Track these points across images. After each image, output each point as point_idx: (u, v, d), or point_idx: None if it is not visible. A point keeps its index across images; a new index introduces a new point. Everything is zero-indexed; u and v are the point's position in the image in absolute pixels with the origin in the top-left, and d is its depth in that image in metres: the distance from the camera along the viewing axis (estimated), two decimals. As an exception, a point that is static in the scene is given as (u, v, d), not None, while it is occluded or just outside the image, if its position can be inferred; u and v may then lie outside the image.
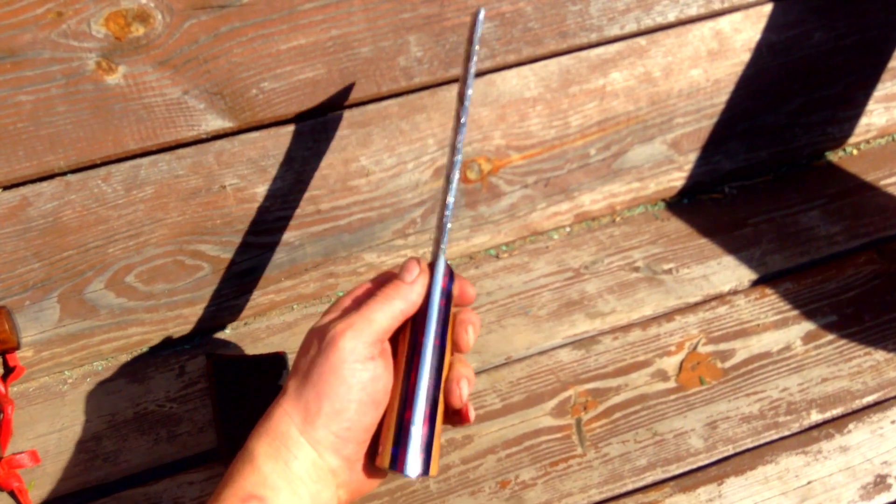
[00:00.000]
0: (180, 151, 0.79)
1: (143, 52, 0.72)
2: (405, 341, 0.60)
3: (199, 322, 0.89)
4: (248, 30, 0.74)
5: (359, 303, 0.59)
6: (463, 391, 0.59)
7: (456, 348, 0.61)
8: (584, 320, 0.88)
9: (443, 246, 0.62)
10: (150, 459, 0.78)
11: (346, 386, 0.55)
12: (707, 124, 0.97)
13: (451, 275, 0.62)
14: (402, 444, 0.56)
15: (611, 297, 0.90)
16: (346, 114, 0.83)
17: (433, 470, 0.57)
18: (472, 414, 0.61)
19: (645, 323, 0.87)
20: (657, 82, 0.92)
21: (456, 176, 0.62)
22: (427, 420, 0.57)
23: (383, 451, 0.57)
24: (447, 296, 0.61)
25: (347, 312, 0.58)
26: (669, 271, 0.92)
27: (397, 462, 0.56)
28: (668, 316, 0.87)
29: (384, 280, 0.62)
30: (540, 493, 0.73)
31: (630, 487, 0.73)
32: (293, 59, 0.76)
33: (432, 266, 0.61)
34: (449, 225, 0.62)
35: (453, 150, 0.62)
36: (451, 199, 0.62)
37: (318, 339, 0.57)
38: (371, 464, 0.59)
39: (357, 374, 0.55)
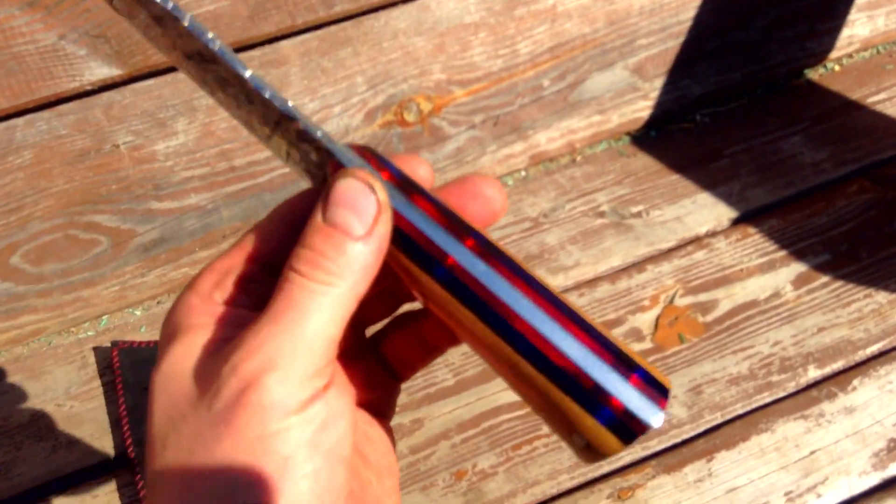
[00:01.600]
0: (61, 107, 0.71)
1: (-1, -10, 0.63)
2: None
3: (102, 305, 0.78)
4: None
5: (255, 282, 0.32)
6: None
7: (479, 220, 0.33)
8: (546, 276, 0.77)
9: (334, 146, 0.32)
10: (47, 471, 0.67)
11: (278, 459, 0.28)
12: (673, 45, 0.89)
13: (380, 159, 0.33)
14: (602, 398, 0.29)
15: (574, 247, 0.79)
16: (257, 52, 0.75)
17: (668, 384, 0.30)
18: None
19: (614, 275, 0.77)
20: (615, -2, 0.82)
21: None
22: (582, 333, 0.30)
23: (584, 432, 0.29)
24: (408, 189, 0.32)
25: (236, 320, 0.31)
26: (638, 214, 0.81)
27: (624, 423, 0.29)
28: (639, 266, 0.77)
29: (298, 212, 0.32)
30: (501, 484, 0.63)
31: (606, 470, 0.64)
32: (189, -10, 0.69)
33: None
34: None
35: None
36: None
37: (206, 388, 0.29)
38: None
39: (295, 434, 0.29)
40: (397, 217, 0.31)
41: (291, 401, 0.28)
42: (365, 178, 0.30)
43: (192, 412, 0.29)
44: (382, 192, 0.30)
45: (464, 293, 0.30)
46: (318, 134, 0.32)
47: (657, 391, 0.29)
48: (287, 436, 0.28)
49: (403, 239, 0.31)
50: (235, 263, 0.32)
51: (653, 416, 0.28)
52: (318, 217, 0.30)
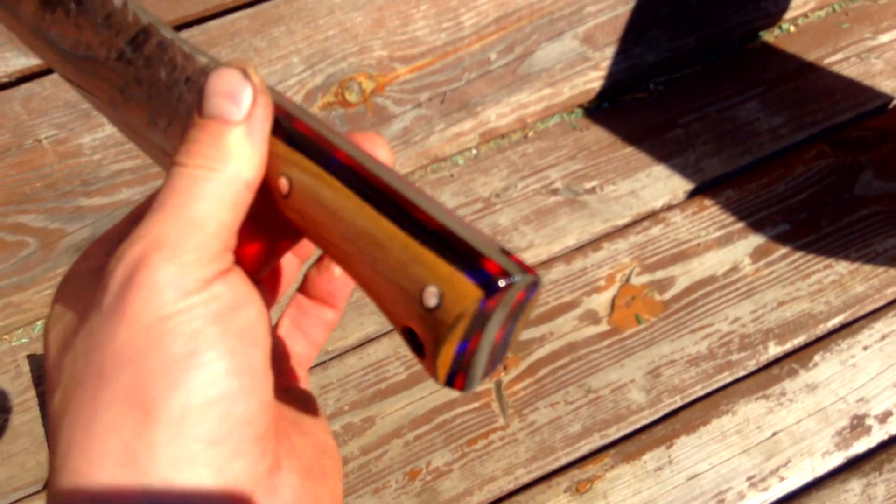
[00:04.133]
0: None
1: None
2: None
3: (35, 310, 0.74)
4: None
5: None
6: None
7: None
8: (498, 259, 0.74)
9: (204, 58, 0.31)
10: (-19, 489, 0.64)
11: (184, 338, 0.26)
12: (623, 11, 0.85)
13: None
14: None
15: (527, 227, 0.76)
16: (184, 34, 0.70)
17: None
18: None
19: (568, 255, 0.74)
20: (560, -35, 0.78)
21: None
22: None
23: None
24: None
25: (134, 219, 0.30)
26: (592, 190, 0.79)
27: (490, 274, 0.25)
28: (594, 244, 0.74)
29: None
30: (457, 482, 0.61)
31: (564, 461, 0.61)
32: (101, -28, 0.62)
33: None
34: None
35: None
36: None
37: (79, 288, 0.28)
38: None
39: (200, 311, 0.26)
40: (292, 119, 0.29)
41: (187, 280, 0.26)
42: (238, 65, 0.29)
43: (83, 324, 0.27)
44: (256, 76, 0.29)
45: (354, 180, 0.28)
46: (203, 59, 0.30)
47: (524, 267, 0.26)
48: (191, 314, 0.26)
49: (295, 135, 0.29)
50: (126, 231, 0.29)
51: (519, 273, 0.25)
52: (196, 115, 0.28)
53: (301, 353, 0.36)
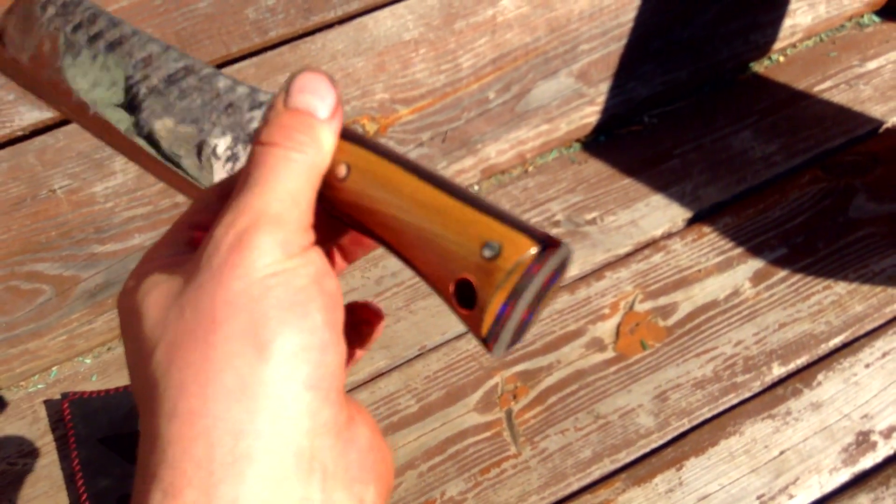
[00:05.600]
0: None
1: None
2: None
3: (50, 356, 0.76)
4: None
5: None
6: None
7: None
8: (503, 291, 0.76)
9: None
10: (2, 534, 0.65)
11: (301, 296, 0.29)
12: (616, 48, 0.88)
13: None
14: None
15: (530, 260, 0.78)
16: None
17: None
18: None
19: (572, 285, 0.75)
20: (554, 5, 0.82)
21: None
22: None
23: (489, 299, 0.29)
24: None
25: (221, 195, 0.33)
26: (593, 221, 0.80)
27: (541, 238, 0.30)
28: (597, 273, 0.76)
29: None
30: (471, 511, 0.62)
31: (575, 487, 0.62)
32: (114, 27, 0.64)
33: None
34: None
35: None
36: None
37: (193, 268, 0.30)
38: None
39: (304, 273, 0.30)
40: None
41: (291, 245, 0.30)
42: (324, 72, 0.33)
43: (189, 283, 0.30)
44: (337, 88, 0.33)
45: (409, 164, 0.32)
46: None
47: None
48: (295, 272, 0.29)
49: (346, 132, 0.33)
50: (180, 233, 0.33)
51: (563, 244, 0.29)
52: (280, 104, 0.32)
53: None
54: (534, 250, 0.29)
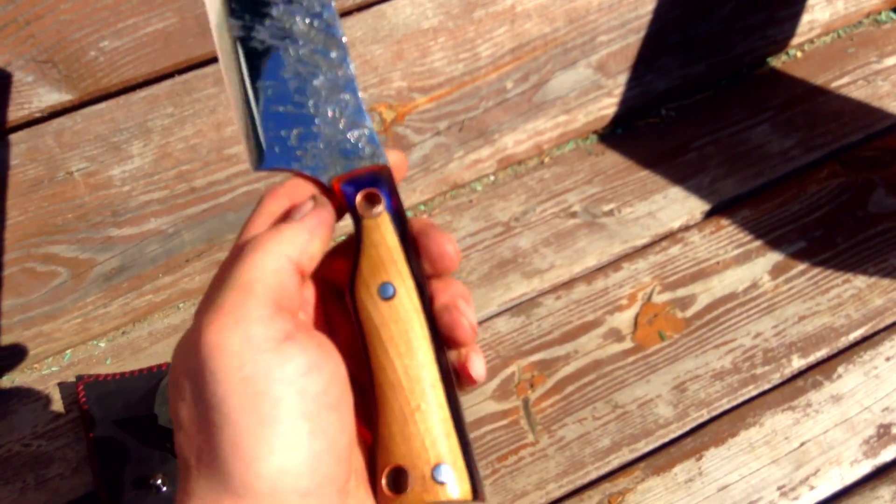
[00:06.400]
0: (11, 136, 0.68)
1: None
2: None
3: (64, 339, 0.75)
4: (72, -23, 0.63)
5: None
6: (467, 316, 0.36)
7: (434, 271, 0.37)
8: (521, 281, 0.76)
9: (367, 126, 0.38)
10: (16, 515, 0.65)
11: (268, 401, 0.30)
12: (634, 40, 0.88)
13: (389, 185, 0.37)
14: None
15: (548, 250, 0.78)
16: (210, 69, 0.72)
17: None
18: (477, 366, 0.36)
19: (589, 276, 0.75)
20: (573, -5, 0.81)
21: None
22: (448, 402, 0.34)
23: (420, 479, 0.33)
24: (396, 216, 0.36)
25: (213, 295, 0.34)
26: (611, 213, 0.80)
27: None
28: (614, 265, 0.76)
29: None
30: (489, 497, 0.61)
31: (594, 475, 0.62)
32: (136, 10, 0.66)
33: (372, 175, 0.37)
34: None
35: None
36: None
37: (184, 357, 0.32)
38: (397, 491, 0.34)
39: (276, 375, 0.31)
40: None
41: (255, 339, 0.31)
42: (314, 195, 0.36)
43: (184, 379, 0.33)
44: (323, 204, 0.36)
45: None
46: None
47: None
48: (269, 377, 0.31)
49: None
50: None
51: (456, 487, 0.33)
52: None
53: None
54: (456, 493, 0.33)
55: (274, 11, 0.38)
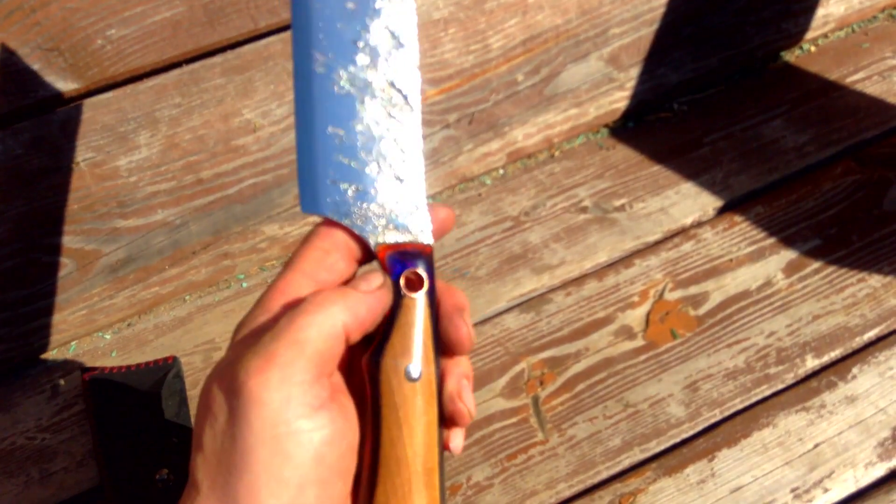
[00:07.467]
0: (16, 126, 0.67)
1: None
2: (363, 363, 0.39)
3: (70, 330, 0.75)
4: (76, -36, 0.62)
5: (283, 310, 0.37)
6: (468, 403, 0.39)
7: (449, 353, 0.40)
8: (531, 277, 0.75)
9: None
10: (20, 509, 0.64)
11: (291, 463, 0.33)
12: (647, 32, 0.86)
13: (430, 269, 0.39)
14: None
15: (558, 245, 0.77)
16: (219, 59, 0.71)
17: None
18: (458, 442, 0.40)
19: (600, 272, 0.74)
20: (586, -13, 0.80)
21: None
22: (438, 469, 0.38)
23: None
24: (432, 298, 0.38)
25: (261, 331, 0.36)
26: (622, 208, 0.79)
27: None
28: (626, 261, 0.75)
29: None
30: (498, 496, 0.61)
31: (605, 475, 0.61)
32: (143, -3, 0.65)
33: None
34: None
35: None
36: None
37: (225, 390, 0.35)
38: None
39: (304, 440, 0.34)
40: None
41: (299, 402, 0.34)
42: (384, 275, 0.38)
43: (218, 408, 0.36)
44: (387, 286, 0.38)
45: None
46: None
47: None
48: (297, 436, 0.34)
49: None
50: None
51: None
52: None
53: None
54: None
55: (360, 58, 0.37)
